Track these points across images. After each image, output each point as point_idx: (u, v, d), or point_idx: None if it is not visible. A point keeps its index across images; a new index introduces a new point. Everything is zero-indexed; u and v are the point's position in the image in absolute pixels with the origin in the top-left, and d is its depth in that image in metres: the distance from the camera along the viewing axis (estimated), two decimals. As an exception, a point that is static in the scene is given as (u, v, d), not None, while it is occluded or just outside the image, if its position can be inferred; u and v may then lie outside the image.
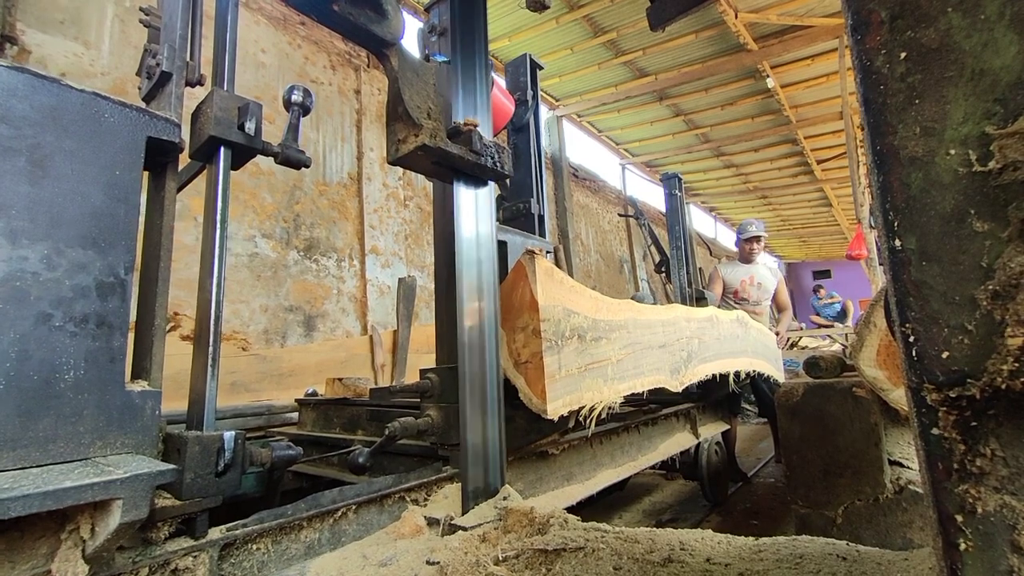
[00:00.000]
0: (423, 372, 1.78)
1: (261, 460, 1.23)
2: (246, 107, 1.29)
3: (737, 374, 3.09)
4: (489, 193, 1.76)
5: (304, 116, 1.45)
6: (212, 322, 1.21)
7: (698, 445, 3.22)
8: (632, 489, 3.82)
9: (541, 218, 2.52)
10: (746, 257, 4.61)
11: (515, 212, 2.54)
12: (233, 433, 1.13)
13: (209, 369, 1.18)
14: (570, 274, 9.19)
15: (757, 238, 4.56)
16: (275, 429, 2.58)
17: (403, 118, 1.50)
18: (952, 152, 0.44)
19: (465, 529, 1.26)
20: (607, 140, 11.21)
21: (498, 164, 1.68)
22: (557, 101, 9.47)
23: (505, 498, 1.40)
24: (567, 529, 1.20)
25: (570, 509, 1.36)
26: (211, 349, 1.19)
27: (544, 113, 9.57)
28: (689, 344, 2.53)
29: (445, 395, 1.70)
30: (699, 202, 15.15)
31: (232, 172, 1.33)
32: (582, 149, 10.54)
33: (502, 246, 2.00)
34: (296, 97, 1.42)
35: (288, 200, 4.90)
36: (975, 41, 0.43)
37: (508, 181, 2.37)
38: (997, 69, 0.42)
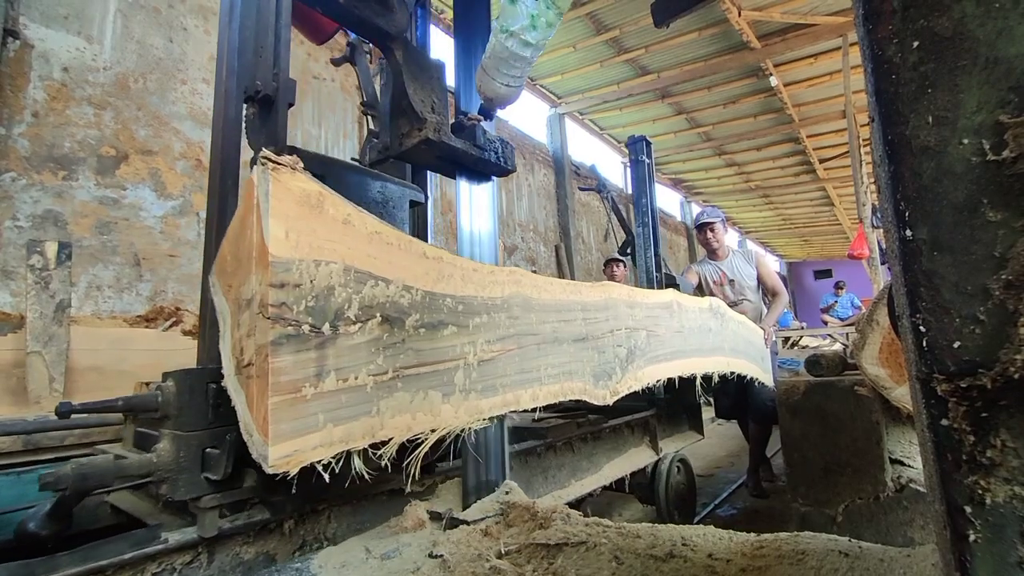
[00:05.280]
0: (164, 376, 1.18)
1: None
2: None
3: (708, 378, 2.52)
4: (491, 188, 1.76)
5: None
6: None
7: (656, 462, 2.68)
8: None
9: (418, 160, 1.90)
10: (708, 248, 3.96)
11: (386, 151, 1.83)
12: None
13: None
14: (571, 273, 9.10)
15: (709, 225, 3.86)
16: (103, 446, 2.08)
17: (407, 112, 1.49)
18: (965, 141, 0.43)
19: (468, 523, 1.26)
20: (609, 138, 11.20)
21: (501, 159, 1.68)
22: (559, 99, 9.46)
23: (507, 492, 1.40)
24: (569, 524, 1.20)
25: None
26: None
27: (546, 111, 9.55)
28: (631, 338, 1.93)
29: (186, 415, 1.11)
30: (700, 200, 15.14)
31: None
32: (584, 147, 10.53)
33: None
34: None
35: (290, 196, 4.90)
36: (989, 29, 0.42)
37: (377, 111, 1.94)
38: (1011, 57, 0.42)
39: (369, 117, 2.11)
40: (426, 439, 1.11)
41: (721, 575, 0.98)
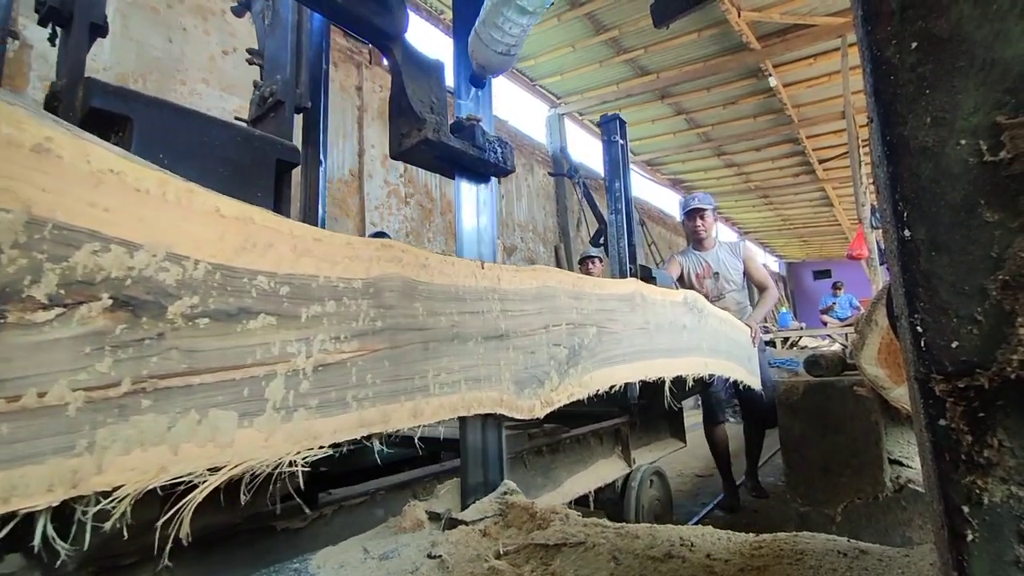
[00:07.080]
0: None
1: None
2: None
3: (681, 381, 2.25)
4: (491, 188, 1.76)
5: None
6: None
7: (627, 476, 2.41)
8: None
9: (303, 112, 1.58)
10: (695, 237, 3.70)
11: (265, 104, 1.63)
12: None
13: None
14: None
15: (700, 212, 3.61)
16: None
17: (406, 112, 1.49)
18: (962, 142, 0.44)
19: (466, 523, 1.26)
20: (608, 138, 11.20)
21: (500, 159, 1.68)
22: (558, 99, 9.46)
23: (506, 493, 1.40)
24: (568, 524, 1.20)
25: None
26: None
27: (545, 111, 9.55)
28: (575, 335, 1.63)
29: None
30: (700, 201, 15.15)
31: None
32: (584, 147, 10.54)
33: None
34: None
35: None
36: (986, 31, 0.43)
37: (264, 56, 1.76)
38: (1008, 59, 0.42)
39: (259, 68, 1.87)
40: (205, 482, 0.75)
41: (719, 575, 0.99)
